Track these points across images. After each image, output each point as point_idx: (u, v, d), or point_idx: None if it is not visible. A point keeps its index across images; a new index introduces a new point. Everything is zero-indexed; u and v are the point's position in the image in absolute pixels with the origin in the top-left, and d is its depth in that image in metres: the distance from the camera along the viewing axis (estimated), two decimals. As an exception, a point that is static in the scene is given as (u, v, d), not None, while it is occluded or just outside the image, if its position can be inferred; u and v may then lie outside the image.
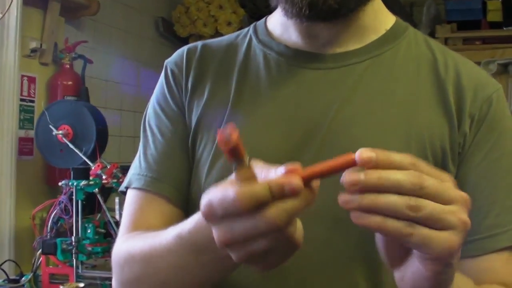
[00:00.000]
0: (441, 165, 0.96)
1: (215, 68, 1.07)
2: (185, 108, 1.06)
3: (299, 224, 0.65)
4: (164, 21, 4.22)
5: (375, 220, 0.62)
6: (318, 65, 1.01)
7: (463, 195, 0.65)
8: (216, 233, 0.64)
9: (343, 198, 0.63)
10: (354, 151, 0.92)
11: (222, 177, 0.96)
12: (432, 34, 4.54)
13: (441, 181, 0.64)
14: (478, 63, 4.24)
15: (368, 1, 0.99)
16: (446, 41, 4.50)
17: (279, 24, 1.06)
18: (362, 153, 0.62)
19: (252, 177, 0.63)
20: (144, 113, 1.13)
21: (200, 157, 1.03)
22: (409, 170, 0.62)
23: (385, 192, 0.61)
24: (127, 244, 0.97)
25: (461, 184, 0.95)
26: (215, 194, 0.63)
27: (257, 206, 0.60)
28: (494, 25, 4.58)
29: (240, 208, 0.60)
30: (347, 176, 0.62)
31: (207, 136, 1.02)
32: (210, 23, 4.14)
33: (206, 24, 4.15)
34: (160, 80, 1.11)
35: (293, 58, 1.03)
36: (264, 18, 1.12)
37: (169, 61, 1.12)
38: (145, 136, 1.10)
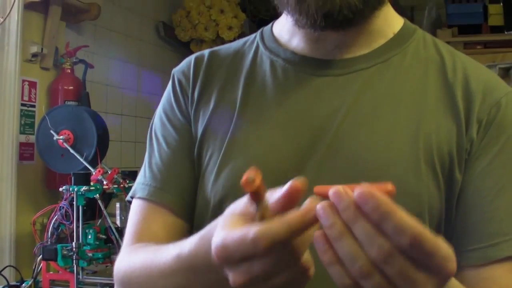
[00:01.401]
0: (448, 171, 0.94)
1: (222, 76, 1.06)
2: (191, 118, 1.06)
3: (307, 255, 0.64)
4: (165, 25, 4.22)
5: (326, 257, 0.60)
6: (325, 71, 1.00)
7: None
8: (232, 275, 0.62)
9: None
10: (360, 156, 0.91)
11: (229, 185, 0.96)
12: (433, 38, 4.54)
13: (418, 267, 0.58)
14: (479, 67, 4.23)
15: (381, 7, 0.98)
16: (447, 45, 4.50)
17: (286, 30, 1.06)
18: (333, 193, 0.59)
19: (270, 216, 0.62)
20: (151, 122, 1.13)
21: (206, 165, 1.02)
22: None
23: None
24: (129, 259, 0.97)
25: (464, 189, 0.94)
26: (230, 236, 0.61)
27: (277, 246, 0.59)
28: (495, 29, 4.59)
29: (260, 251, 0.59)
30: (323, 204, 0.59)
31: (213, 145, 1.02)
32: (211, 27, 4.14)
33: (207, 28, 4.14)
34: (167, 89, 1.11)
35: (300, 65, 1.02)
36: (270, 24, 1.11)
37: (176, 70, 1.12)
38: (151, 145, 1.10)
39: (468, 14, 4.68)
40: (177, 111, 1.07)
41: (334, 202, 0.59)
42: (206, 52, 1.11)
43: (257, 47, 1.08)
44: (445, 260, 0.58)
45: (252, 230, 0.59)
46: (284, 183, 0.91)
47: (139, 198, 1.05)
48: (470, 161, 0.95)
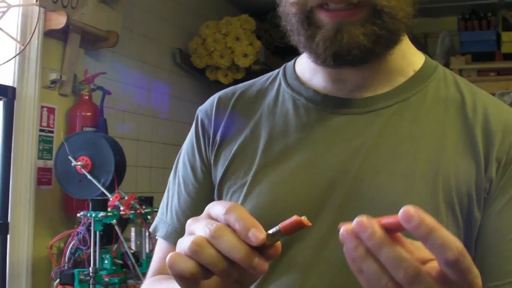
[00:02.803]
0: (467, 211, 0.94)
1: (245, 116, 1.08)
2: (211, 162, 1.08)
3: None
4: (181, 52, 4.27)
5: (353, 266, 0.64)
6: (346, 110, 1.01)
7: None
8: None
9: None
10: (379, 200, 0.92)
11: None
12: (446, 66, 4.55)
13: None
14: (493, 95, 4.26)
15: (395, 45, 0.97)
16: (460, 73, 4.52)
17: (307, 68, 1.06)
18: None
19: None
20: (179, 153, 1.16)
21: None
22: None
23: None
24: None
25: (483, 227, 0.94)
26: (200, 224, 0.72)
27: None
28: (508, 57, 4.61)
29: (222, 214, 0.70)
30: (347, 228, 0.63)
31: (235, 183, 1.04)
32: (226, 54, 4.18)
33: (222, 55, 4.18)
34: (192, 128, 1.14)
35: (322, 104, 1.03)
36: (293, 60, 1.12)
37: (201, 110, 1.14)
38: (174, 181, 1.14)
39: (481, 42, 4.71)
40: (197, 155, 1.10)
41: (358, 231, 0.62)
42: (229, 91, 1.13)
43: (280, 84, 1.09)
44: (477, 278, 0.62)
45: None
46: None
47: (160, 236, 1.11)
48: (489, 200, 0.95)
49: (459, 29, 4.83)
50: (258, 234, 0.67)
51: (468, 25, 4.77)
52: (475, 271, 0.61)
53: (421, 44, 5.14)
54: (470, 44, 4.72)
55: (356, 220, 0.62)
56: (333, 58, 0.92)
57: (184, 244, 0.70)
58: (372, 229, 0.61)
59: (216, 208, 0.72)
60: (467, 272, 0.60)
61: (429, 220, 0.59)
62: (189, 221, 0.74)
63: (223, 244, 0.68)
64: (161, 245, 1.12)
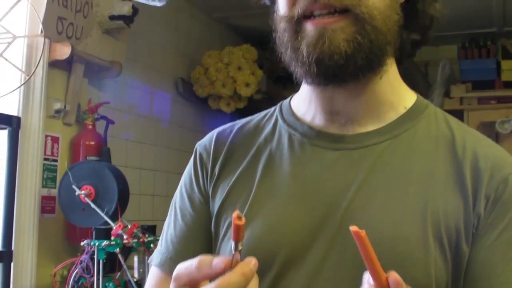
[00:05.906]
0: (455, 244, 0.96)
1: (242, 151, 1.11)
2: (209, 194, 1.11)
3: None
4: (184, 82, 4.29)
5: None
6: (339, 145, 1.04)
7: None
8: None
9: None
10: (370, 232, 0.96)
11: (245, 252, 1.01)
12: (447, 94, 4.60)
13: None
14: (493, 123, 4.29)
15: (380, 65, 1.01)
16: (461, 101, 4.55)
17: (302, 102, 1.10)
18: None
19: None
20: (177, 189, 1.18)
21: (224, 234, 1.07)
22: None
23: None
24: None
25: (471, 262, 0.97)
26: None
27: None
28: (509, 85, 4.64)
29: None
30: None
31: (231, 215, 1.06)
32: (228, 83, 4.20)
33: (224, 84, 4.21)
34: (190, 162, 1.17)
35: (316, 139, 1.06)
36: (289, 98, 1.16)
37: (200, 144, 1.17)
38: (170, 214, 1.17)
39: (481, 70, 4.73)
40: (195, 187, 1.13)
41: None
42: (227, 127, 1.17)
43: (276, 120, 1.13)
44: None
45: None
46: (297, 254, 0.96)
47: (154, 265, 1.13)
48: (477, 236, 0.97)
49: (459, 58, 4.86)
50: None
51: (468, 54, 4.81)
52: None
53: (422, 73, 5.17)
54: (470, 72, 4.75)
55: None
56: (316, 64, 0.95)
57: None
58: None
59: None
60: None
61: None
62: (182, 275, 0.80)
63: None
64: (153, 272, 1.14)
